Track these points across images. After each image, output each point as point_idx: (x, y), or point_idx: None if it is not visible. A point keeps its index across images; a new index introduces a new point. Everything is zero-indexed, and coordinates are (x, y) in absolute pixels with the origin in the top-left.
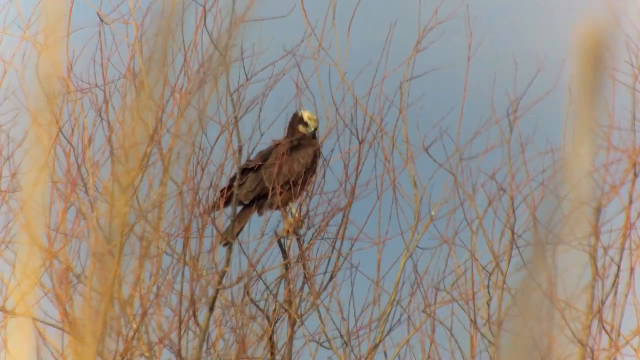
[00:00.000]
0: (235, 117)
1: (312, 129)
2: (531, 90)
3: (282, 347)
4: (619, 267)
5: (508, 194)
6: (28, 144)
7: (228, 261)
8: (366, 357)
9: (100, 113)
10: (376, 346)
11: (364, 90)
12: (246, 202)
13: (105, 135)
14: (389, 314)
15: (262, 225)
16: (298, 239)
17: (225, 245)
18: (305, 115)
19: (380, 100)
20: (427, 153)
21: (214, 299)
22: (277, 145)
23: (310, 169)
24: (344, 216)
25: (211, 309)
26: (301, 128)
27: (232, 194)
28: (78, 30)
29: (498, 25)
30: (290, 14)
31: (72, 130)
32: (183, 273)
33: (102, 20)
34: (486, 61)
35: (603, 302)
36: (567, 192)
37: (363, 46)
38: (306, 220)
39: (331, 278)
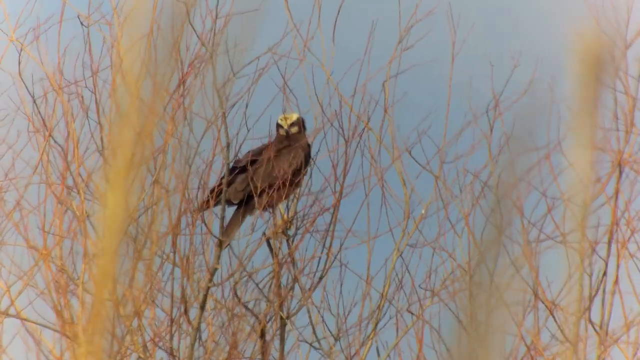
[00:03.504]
0: (223, 113)
1: (285, 127)
2: (514, 87)
3: (272, 342)
4: (606, 263)
5: (493, 192)
6: (19, 145)
7: (218, 259)
8: (355, 354)
9: (87, 113)
10: (363, 344)
11: (350, 88)
12: (235, 202)
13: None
14: (379, 313)
15: (251, 222)
16: (287, 240)
17: (220, 246)
18: (279, 118)
19: (365, 100)
20: (410, 155)
21: (205, 296)
22: (267, 145)
23: (301, 168)
24: (332, 215)
25: (202, 307)
26: (281, 131)
27: (221, 192)
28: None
29: (481, 23)
30: (276, 13)
31: (68, 133)
32: (173, 272)
33: (82, 24)
34: (471, 59)
35: (591, 299)
36: (553, 189)
37: (349, 44)
38: (295, 220)
39: (321, 277)
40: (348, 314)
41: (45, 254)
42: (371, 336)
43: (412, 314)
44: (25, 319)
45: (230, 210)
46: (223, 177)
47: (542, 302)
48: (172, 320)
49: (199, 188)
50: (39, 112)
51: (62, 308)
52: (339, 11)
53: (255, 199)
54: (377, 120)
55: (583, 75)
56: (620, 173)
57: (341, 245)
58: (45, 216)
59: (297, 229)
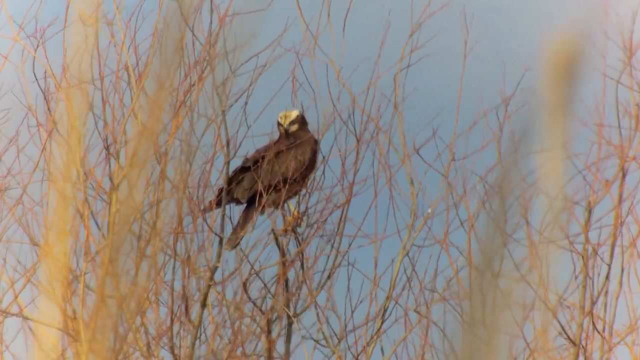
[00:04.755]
0: (223, 111)
1: (285, 125)
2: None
3: (278, 341)
4: (609, 266)
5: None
6: (22, 142)
7: (219, 257)
8: (361, 353)
9: (92, 110)
10: (368, 344)
11: (360, 87)
12: (244, 201)
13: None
14: (384, 314)
15: (262, 219)
16: (296, 237)
17: (228, 244)
18: (279, 116)
19: (376, 98)
20: (418, 154)
21: (206, 295)
22: (274, 142)
23: (309, 165)
24: (342, 213)
25: (203, 305)
26: (280, 130)
27: (227, 192)
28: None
29: (495, 22)
30: (279, 12)
31: (71, 129)
32: (174, 269)
33: (84, 24)
34: (483, 58)
35: (595, 302)
36: (557, 192)
37: (359, 42)
38: (305, 217)
39: (329, 276)
40: (353, 313)
41: (47, 251)
42: (376, 335)
43: (418, 313)
44: (27, 318)
45: (236, 210)
46: (234, 174)
47: (545, 305)
48: (172, 320)
49: (199, 186)
50: (49, 109)
51: (64, 306)
52: (349, 7)
53: (264, 196)
54: (387, 120)
55: (556, 75)
56: (624, 173)
57: (350, 245)
58: (48, 212)
59: (307, 226)
